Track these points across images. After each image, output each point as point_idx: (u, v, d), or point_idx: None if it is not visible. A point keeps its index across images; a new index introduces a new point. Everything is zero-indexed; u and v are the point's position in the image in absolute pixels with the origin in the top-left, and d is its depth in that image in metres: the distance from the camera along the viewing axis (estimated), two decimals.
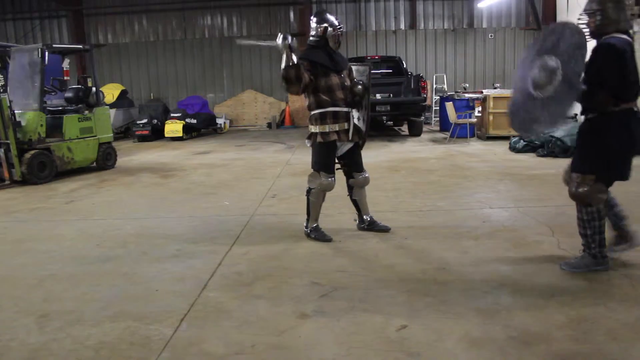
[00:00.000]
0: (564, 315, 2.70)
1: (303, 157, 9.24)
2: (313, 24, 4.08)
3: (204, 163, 8.95)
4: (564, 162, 3.56)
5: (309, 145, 4.19)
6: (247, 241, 4.23)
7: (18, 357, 2.48)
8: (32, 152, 7.22)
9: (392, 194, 5.86)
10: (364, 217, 4.39)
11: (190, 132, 13.58)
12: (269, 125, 16.31)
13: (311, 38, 4.12)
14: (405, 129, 13.55)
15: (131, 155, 10.59)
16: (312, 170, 4.15)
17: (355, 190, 4.34)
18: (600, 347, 2.39)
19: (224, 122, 15.76)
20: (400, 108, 11.50)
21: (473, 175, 6.93)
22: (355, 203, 4.39)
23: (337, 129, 4.00)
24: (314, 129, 4.05)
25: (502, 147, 9.53)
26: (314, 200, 4.17)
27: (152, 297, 3.13)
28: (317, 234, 4.19)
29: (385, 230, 4.33)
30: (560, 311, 2.75)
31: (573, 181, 3.23)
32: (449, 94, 13.71)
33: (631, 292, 2.97)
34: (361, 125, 4.13)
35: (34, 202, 6.11)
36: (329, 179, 4.08)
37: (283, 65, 3.73)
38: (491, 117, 10.74)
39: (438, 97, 14.63)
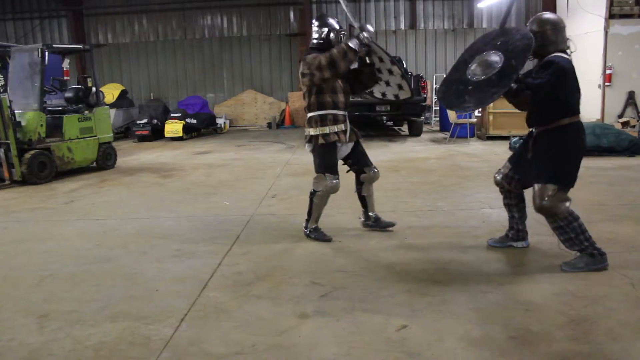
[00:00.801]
0: (564, 315, 2.70)
1: (303, 157, 9.23)
2: (315, 28, 4.08)
3: (204, 163, 8.95)
4: None
5: (309, 150, 4.16)
6: (247, 241, 4.23)
7: (18, 357, 2.47)
8: (32, 152, 7.22)
9: (392, 194, 5.85)
10: (370, 214, 4.39)
11: (190, 132, 13.57)
12: (269, 125, 16.31)
13: (314, 41, 4.11)
14: (405, 129, 13.55)
15: (131, 155, 10.58)
16: (316, 174, 4.12)
17: (365, 186, 4.32)
18: (600, 347, 2.39)
19: (224, 122, 15.76)
20: (400, 108, 11.50)
21: (473, 175, 6.93)
22: (363, 200, 4.38)
23: (336, 130, 4.00)
24: (313, 131, 4.04)
25: (502, 147, 9.53)
26: (318, 202, 4.16)
27: (152, 297, 3.13)
28: (317, 234, 4.19)
29: (391, 225, 4.36)
30: (560, 311, 2.75)
31: (536, 194, 3.32)
32: None
33: (631, 292, 2.97)
34: (396, 90, 4.17)
35: (34, 202, 6.11)
36: (334, 181, 4.07)
37: (351, 45, 3.74)
38: (491, 117, 10.74)
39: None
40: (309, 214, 4.23)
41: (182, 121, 13.20)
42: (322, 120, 4.00)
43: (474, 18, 17.10)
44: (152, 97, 17.46)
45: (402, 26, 17.20)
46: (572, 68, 3.28)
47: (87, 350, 2.51)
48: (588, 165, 6.17)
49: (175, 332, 2.67)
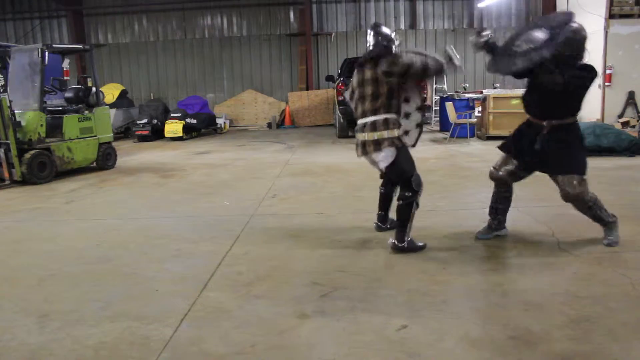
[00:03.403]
0: (564, 315, 2.70)
1: (303, 157, 9.24)
2: (371, 37, 3.86)
3: (204, 163, 8.95)
4: None
5: (389, 156, 3.73)
6: (247, 241, 4.23)
7: (18, 357, 2.47)
8: (32, 152, 7.22)
9: None
10: (390, 217, 4.35)
11: (190, 132, 13.57)
12: (269, 125, 16.31)
13: (370, 47, 3.86)
14: None
15: (131, 155, 10.59)
16: (404, 180, 3.79)
17: (397, 188, 4.13)
18: (600, 347, 2.39)
19: (224, 122, 15.76)
20: None
21: (473, 175, 6.92)
22: (387, 202, 4.27)
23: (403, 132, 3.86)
24: (389, 133, 3.68)
25: None
26: (416, 208, 3.78)
27: (152, 297, 3.13)
28: (411, 245, 3.80)
29: None
30: (560, 311, 2.75)
31: (566, 184, 3.61)
32: (449, 94, 13.71)
33: (631, 292, 2.97)
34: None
35: (34, 202, 6.11)
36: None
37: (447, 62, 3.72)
38: (491, 117, 10.74)
39: (438, 97, 14.63)
40: (405, 224, 3.73)
41: (182, 121, 13.20)
42: (396, 122, 3.74)
43: (474, 18, 17.11)
44: (152, 97, 17.46)
45: (402, 26, 17.20)
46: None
47: (87, 350, 2.51)
48: (588, 165, 6.16)
49: (175, 332, 2.67)
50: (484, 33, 3.78)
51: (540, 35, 3.47)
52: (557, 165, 3.68)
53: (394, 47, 3.86)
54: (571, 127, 3.67)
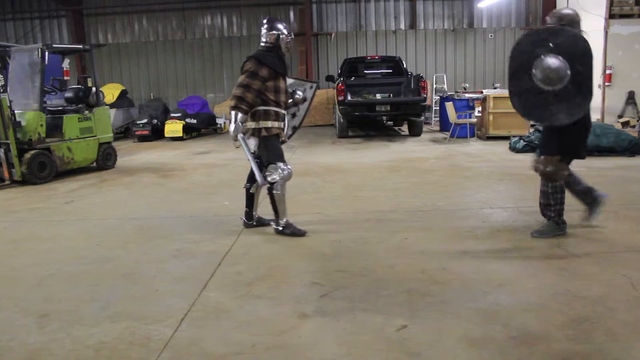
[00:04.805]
0: (564, 315, 2.70)
1: (303, 157, 9.23)
2: (264, 31, 4.21)
3: (204, 163, 8.95)
4: None
5: (253, 144, 4.32)
6: (247, 241, 4.23)
7: (18, 357, 2.47)
8: (32, 152, 7.22)
9: (392, 194, 5.85)
10: (254, 213, 4.57)
11: (190, 132, 13.57)
12: None
13: (263, 44, 4.23)
14: (405, 129, 13.55)
15: (131, 155, 10.59)
16: (268, 165, 4.25)
17: (256, 184, 4.42)
18: (600, 347, 2.39)
19: (224, 122, 15.75)
20: (400, 108, 11.49)
21: (473, 175, 6.93)
22: (251, 198, 4.52)
23: (277, 126, 4.20)
24: (255, 124, 4.20)
25: (502, 147, 9.53)
26: (281, 193, 4.25)
27: (152, 297, 3.13)
28: (292, 229, 4.28)
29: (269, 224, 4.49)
30: (560, 311, 2.75)
31: (540, 162, 3.87)
32: (449, 94, 13.70)
33: (631, 292, 2.97)
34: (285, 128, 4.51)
35: (34, 202, 6.11)
36: (289, 167, 4.24)
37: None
38: (491, 117, 10.74)
39: (438, 97, 14.63)
40: (275, 210, 4.29)
41: (182, 121, 13.19)
42: (265, 114, 4.16)
43: (474, 18, 17.10)
44: (152, 97, 17.45)
45: (402, 26, 17.20)
46: None
47: (87, 350, 2.51)
48: (588, 165, 6.18)
49: (175, 332, 2.67)
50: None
51: (560, 65, 3.44)
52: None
53: (282, 36, 4.17)
54: None
